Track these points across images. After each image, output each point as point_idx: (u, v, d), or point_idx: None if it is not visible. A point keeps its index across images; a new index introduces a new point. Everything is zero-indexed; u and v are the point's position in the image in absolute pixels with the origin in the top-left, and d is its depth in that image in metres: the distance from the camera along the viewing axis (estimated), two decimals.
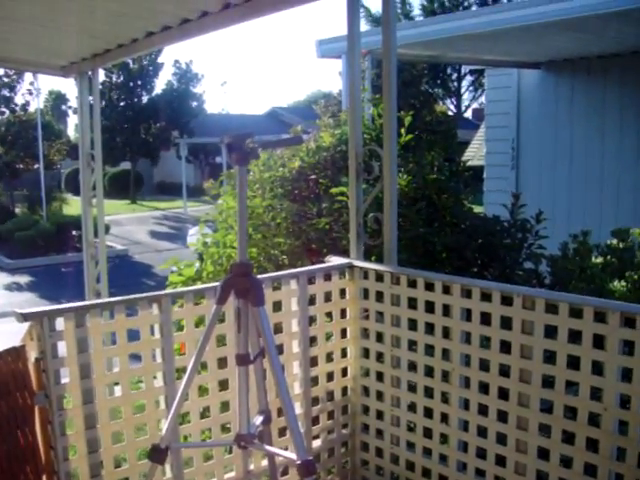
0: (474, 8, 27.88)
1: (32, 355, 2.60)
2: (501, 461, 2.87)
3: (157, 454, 2.17)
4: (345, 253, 3.67)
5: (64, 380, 2.63)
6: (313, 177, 4.84)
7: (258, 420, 2.33)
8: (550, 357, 2.64)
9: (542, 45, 7.09)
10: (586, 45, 7.14)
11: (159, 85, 33.40)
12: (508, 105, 8.77)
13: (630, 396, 2.42)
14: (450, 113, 28.15)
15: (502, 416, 2.84)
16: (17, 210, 21.29)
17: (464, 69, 31.13)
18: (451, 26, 6.10)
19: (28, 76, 20.28)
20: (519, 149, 8.73)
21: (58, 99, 37.72)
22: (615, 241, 4.12)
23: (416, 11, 28.52)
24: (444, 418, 3.10)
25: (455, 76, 33.08)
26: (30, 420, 2.62)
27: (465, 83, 33.90)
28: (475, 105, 35.17)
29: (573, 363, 2.57)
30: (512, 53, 7.85)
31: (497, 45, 6.99)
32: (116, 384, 2.90)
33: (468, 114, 35.18)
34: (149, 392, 2.86)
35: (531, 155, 8.60)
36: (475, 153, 15.06)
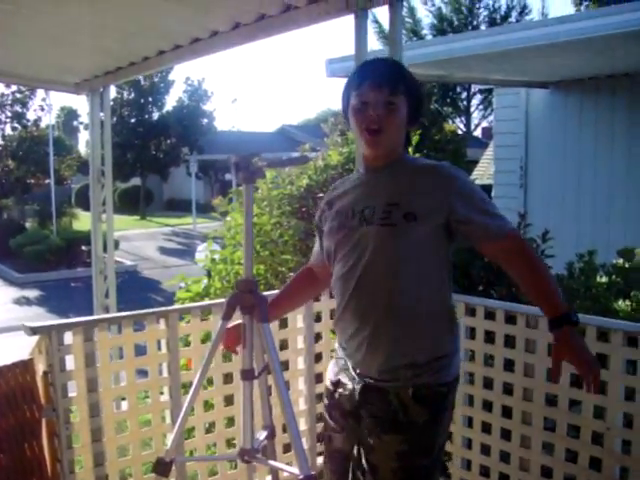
0: (483, 27, 28.02)
1: (40, 368, 2.63)
2: (504, 479, 2.88)
3: (162, 467, 2.19)
4: None
5: (71, 394, 2.66)
6: (321, 195, 4.88)
7: (262, 435, 2.35)
8: None
9: (551, 65, 7.12)
10: (595, 65, 7.17)
11: (170, 102, 33.70)
12: (516, 124, 8.78)
13: (633, 415, 2.43)
14: (459, 132, 28.19)
15: (506, 434, 2.85)
16: (28, 225, 21.47)
17: (474, 88, 31.18)
18: (460, 46, 6.13)
19: (40, 92, 20.54)
20: (527, 168, 8.73)
21: (69, 115, 38.18)
22: (621, 261, 4.13)
23: (425, 30, 28.60)
24: (448, 436, 3.10)
25: (464, 95, 33.13)
26: (37, 433, 2.65)
27: (475, 102, 33.93)
28: (484, 124, 35.15)
29: (576, 382, 2.58)
30: (520, 73, 7.88)
31: (505, 65, 7.03)
32: (123, 398, 2.92)
33: (477, 132, 35.18)
34: (155, 406, 2.88)
35: (540, 174, 8.60)
36: (484, 172, 15.07)
